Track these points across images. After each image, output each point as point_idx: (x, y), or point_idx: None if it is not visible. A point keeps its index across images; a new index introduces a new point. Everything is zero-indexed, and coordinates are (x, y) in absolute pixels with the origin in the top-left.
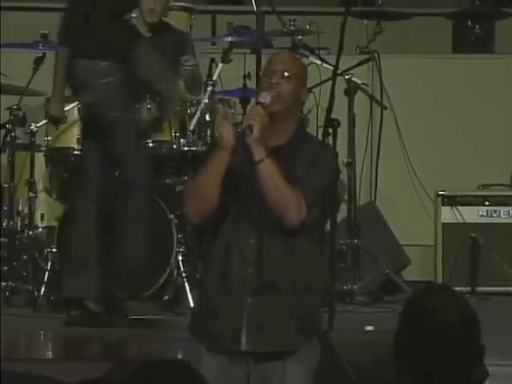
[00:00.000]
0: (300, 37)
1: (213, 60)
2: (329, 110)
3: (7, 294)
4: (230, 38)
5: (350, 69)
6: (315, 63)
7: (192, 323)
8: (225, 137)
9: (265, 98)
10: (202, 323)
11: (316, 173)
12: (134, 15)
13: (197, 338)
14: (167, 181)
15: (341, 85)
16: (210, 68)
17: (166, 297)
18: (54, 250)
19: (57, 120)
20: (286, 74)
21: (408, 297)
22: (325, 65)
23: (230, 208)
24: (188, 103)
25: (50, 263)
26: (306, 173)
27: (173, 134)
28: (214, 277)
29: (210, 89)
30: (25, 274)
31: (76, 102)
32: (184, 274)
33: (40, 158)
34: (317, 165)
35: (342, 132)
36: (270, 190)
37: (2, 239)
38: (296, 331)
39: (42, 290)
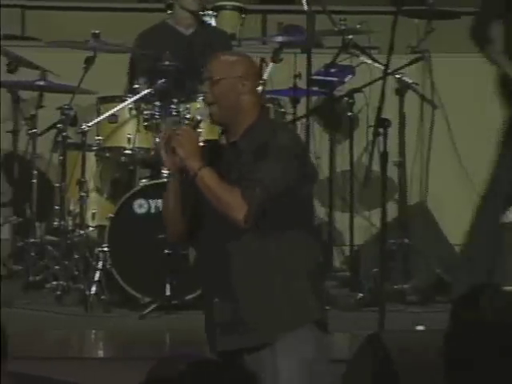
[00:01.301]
0: (350, 36)
1: (263, 60)
2: (379, 109)
3: (59, 293)
4: (280, 38)
5: (400, 68)
6: (366, 63)
7: None
8: (168, 164)
9: (201, 114)
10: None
11: (262, 163)
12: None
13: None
14: None
15: (391, 84)
16: (261, 68)
17: None
18: (105, 249)
19: None
20: (211, 79)
21: (458, 296)
22: (375, 64)
23: (200, 216)
24: None
25: (101, 262)
26: (252, 166)
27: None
28: (200, 283)
29: (260, 88)
30: (76, 273)
31: (128, 101)
32: None
33: (91, 157)
34: (264, 154)
35: (393, 132)
36: (210, 198)
37: (54, 238)
38: (269, 324)
39: (93, 289)
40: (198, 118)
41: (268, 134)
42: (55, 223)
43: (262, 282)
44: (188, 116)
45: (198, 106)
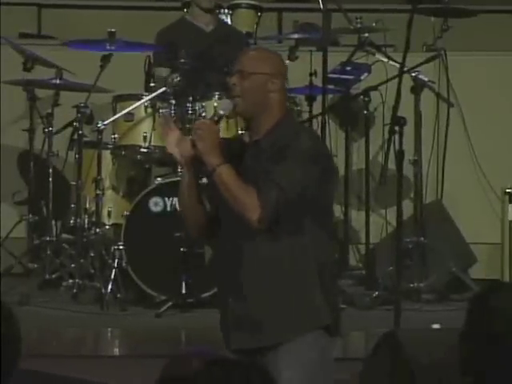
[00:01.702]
0: (366, 34)
1: None
2: (395, 107)
3: (75, 291)
4: (296, 36)
5: (416, 66)
6: (382, 61)
7: None
8: (177, 156)
9: (224, 108)
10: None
11: (282, 165)
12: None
13: None
14: None
15: (407, 82)
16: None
17: None
18: (121, 247)
19: None
20: (241, 72)
21: (471, 296)
22: (391, 62)
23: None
24: None
25: (116, 260)
26: (272, 166)
27: (239, 131)
28: (216, 279)
29: None
30: (92, 271)
31: (143, 100)
32: None
33: (107, 155)
34: (285, 156)
35: (409, 130)
36: (226, 197)
37: (70, 237)
38: (277, 326)
39: (109, 287)
40: (221, 112)
41: (291, 136)
42: (71, 221)
43: (274, 284)
44: (204, 114)
45: (215, 104)
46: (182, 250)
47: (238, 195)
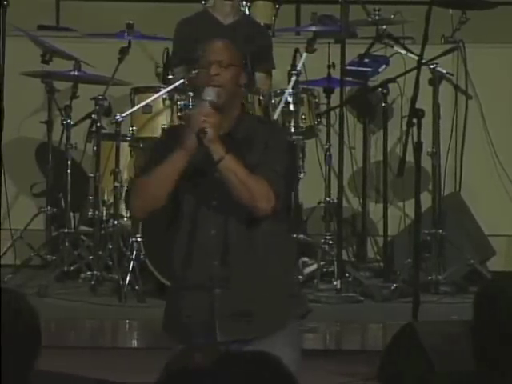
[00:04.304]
0: (384, 26)
1: (297, 50)
2: (413, 99)
3: (93, 283)
4: (314, 28)
5: (434, 58)
6: (400, 53)
7: (166, 322)
8: (189, 139)
9: (210, 94)
10: (176, 320)
11: (274, 156)
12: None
13: (173, 337)
14: None
15: (425, 75)
16: (295, 58)
17: None
18: (139, 239)
19: None
20: (223, 62)
21: (479, 288)
22: (409, 54)
23: (184, 203)
24: (272, 93)
25: (134, 252)
26: (265, 158)
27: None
28: (179, 272)
29: (294, 78)
30: (110, 263)
31: (161, 92)
32: None
33: (125, 147)
34: (272, 148)
35: (427, 122)
36: (235, 185)
37: (88, 229)
38: (266, 318)
39: (127, 279)
40: (209, 98)
41: (265, 129)
42: (89, 213)
43: (263, 274)
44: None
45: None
46: None
47: (251, 184)
